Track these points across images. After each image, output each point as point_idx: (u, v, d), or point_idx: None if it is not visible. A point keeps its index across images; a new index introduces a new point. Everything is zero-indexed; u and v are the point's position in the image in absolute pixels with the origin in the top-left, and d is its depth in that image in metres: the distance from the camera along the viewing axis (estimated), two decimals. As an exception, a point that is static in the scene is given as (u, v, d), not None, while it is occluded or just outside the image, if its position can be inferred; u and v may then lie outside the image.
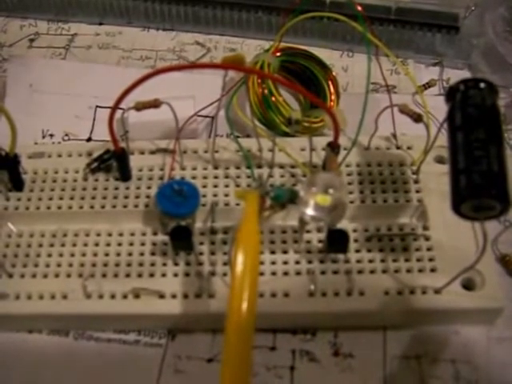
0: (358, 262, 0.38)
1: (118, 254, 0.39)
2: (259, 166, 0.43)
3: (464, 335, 0.38)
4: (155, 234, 0.40)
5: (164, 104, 0.39)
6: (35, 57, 0.56)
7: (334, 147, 0.39)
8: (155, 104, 0.39)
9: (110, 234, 0.40)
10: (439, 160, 0.42)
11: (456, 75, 0.52)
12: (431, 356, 0.38)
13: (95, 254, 0.39)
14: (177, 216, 0.38)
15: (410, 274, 0.38)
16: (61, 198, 0.41)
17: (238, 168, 0.42)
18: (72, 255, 0.39)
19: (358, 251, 0.39)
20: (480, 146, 0.30)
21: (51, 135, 0.49)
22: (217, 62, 0.49)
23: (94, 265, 0.39)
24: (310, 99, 0.47)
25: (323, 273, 0.38)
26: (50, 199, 0.41)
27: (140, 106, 0.39)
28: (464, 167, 0.30)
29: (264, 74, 0.46)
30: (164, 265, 0.39)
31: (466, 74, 0.53)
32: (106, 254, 0.39)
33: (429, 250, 0.39)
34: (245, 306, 0.28)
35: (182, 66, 0.42)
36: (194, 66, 0.46)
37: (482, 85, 0.32)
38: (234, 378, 0.27)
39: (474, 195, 0.29)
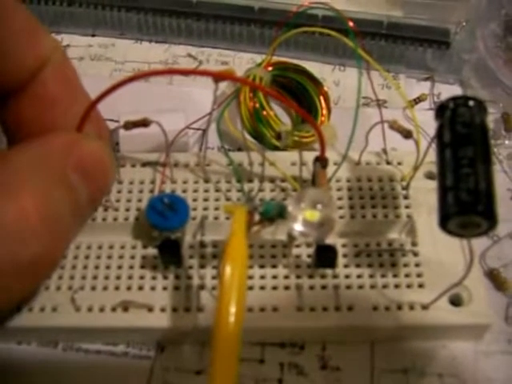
0: (347, 277, 0.38)
1: (108, 267, 0.39)
2: (250, 180, 0.43)
3: (451, 349, 0.38)
4: (145, 247, 0.40)
5: (153, 123, 0.40)
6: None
7: (320, 162, 0.39)
8: (144, 123, 0.39)
9: (99, 247, 0.40)
10: (429, 176, 0.42)
11: (447, 90, 0.52)
12: (418, 370, 0.38)
13: (85, 267, 0.39)
14: (166, 229, 0.38)
15: (398, 289, 0.38)
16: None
17: (228, 182, 0.43)
18: (62, 268, 0.39)
19: (346, 266, 0.39)
20: (468, 163, 0.30)
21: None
22: (209, 70, 0.49)
23: (83, 277, 0.39)
24: (298, 113, 0.47)
25: (312, 288, 0.38)
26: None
27: (129, 126, 0.39)
28: (451, 184, 0.30)
29: (257, 86, 0.46)
30: (153, 278, 0.39)
31: (456, 89, 0.53)
32: (96, 267, 0.39)
33: (417, 265, 0.39)
34: (232, 320, 0.28)
35: (170, 71, 0.42)
36: (186, 71, 0.46)
37: (472, 103, 0.32)
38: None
39: (461, 212, 0.30)
